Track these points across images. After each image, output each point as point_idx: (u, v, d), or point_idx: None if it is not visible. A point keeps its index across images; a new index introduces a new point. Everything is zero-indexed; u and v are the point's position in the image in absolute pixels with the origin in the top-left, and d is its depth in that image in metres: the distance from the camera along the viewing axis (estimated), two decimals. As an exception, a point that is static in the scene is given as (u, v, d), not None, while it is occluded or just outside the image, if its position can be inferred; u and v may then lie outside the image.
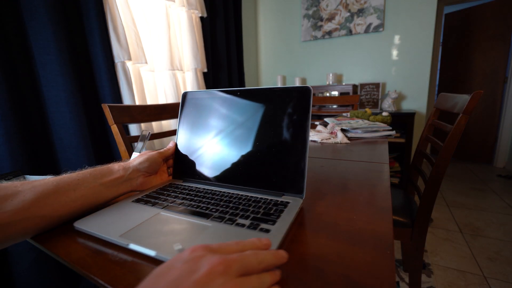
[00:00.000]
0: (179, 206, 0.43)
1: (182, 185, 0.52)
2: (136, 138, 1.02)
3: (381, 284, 0.25)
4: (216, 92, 0.55)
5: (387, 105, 2.17)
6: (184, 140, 0.57)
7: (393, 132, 1.04)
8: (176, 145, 0.58)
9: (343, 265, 0.28)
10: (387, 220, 0.37)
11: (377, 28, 2.22)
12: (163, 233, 0.35)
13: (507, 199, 2.05)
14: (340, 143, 0.95)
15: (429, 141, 1.06)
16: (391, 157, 2.20)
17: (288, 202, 0.42)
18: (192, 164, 0.54)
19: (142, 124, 1.35)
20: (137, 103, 1.35)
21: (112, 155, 1.23)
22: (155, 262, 0.30)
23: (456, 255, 1.38)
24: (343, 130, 1.10)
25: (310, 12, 2.47)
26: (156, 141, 1.54)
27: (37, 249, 0.92)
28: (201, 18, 1.88)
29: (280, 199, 0.43)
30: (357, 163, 0.69)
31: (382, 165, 0.65)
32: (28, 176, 0.64)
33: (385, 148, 0.84)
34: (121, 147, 0.95)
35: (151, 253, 0.31)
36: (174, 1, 1.55)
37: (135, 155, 0.72)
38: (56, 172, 1.01)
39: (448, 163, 0.82)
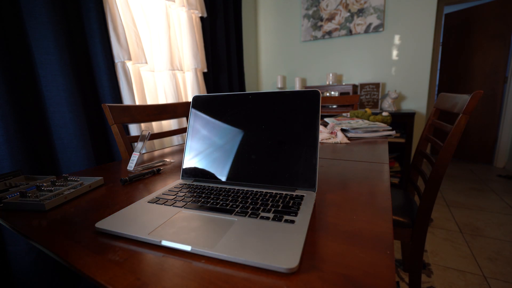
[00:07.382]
0: (199, 204, 0.44)
1: (194, 184, 0.53)
2: (136, 138, 1.02)
3: (381, 284, 0.25)
4: (227, 95, 0.56)
5: (387, 105, 2.17)
6: (194, 141, 0.57)
7: (393, 132, 1.04)
8: (185, 146, 0.58)
9: (343, 265, 0.28)
10: (387, 220, 0.37)
11: (377, 28, 2.22)
12: (192, 229, 0.35)
13: (507, 199, 2.05)
14: (340, 143, 0.95)
15: (429, 141, 1.06)
16: (391, 157, 2.21)
17: (303, 196, 0.44)
18: (203, 164, 0.55)
19: (142, 124, 1.35)
20: (137, 103, 1.35)
21: (112, 155, 1.23)
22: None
23: (456, 255, 1.38)
24: (343, 130, 1.10)
25: (310, 12, 2.47)
26: (156, 141, 1.54)
27: (37, 249, 0.92)
28: (201, 18, 1.88)
29: (294, 193, 0.46)
30: (357, 163, 0.69)
31: (382, 165, 0.65)
32: (27, 176, 0.64)
33: (385, 148, 0.84)
34: (121, 147, 0.95)
35: (186, 248, 0.31)
36: (174, 1, 1.55)
37: (135, 155, 0.72)
38: (56, 172, 1.01)
39: (448, 163, 0.82)
